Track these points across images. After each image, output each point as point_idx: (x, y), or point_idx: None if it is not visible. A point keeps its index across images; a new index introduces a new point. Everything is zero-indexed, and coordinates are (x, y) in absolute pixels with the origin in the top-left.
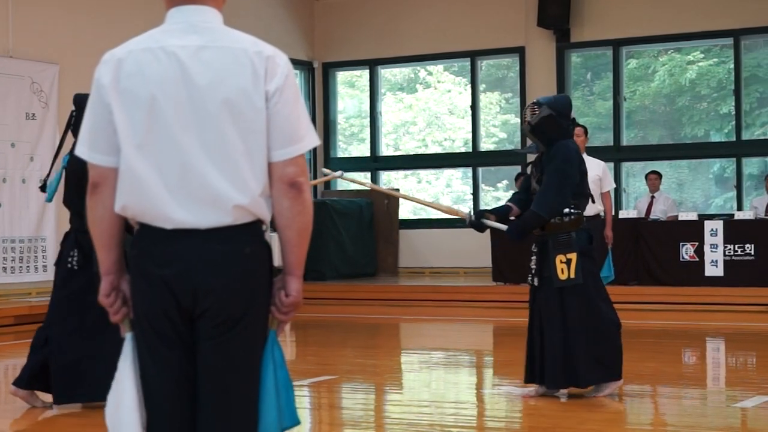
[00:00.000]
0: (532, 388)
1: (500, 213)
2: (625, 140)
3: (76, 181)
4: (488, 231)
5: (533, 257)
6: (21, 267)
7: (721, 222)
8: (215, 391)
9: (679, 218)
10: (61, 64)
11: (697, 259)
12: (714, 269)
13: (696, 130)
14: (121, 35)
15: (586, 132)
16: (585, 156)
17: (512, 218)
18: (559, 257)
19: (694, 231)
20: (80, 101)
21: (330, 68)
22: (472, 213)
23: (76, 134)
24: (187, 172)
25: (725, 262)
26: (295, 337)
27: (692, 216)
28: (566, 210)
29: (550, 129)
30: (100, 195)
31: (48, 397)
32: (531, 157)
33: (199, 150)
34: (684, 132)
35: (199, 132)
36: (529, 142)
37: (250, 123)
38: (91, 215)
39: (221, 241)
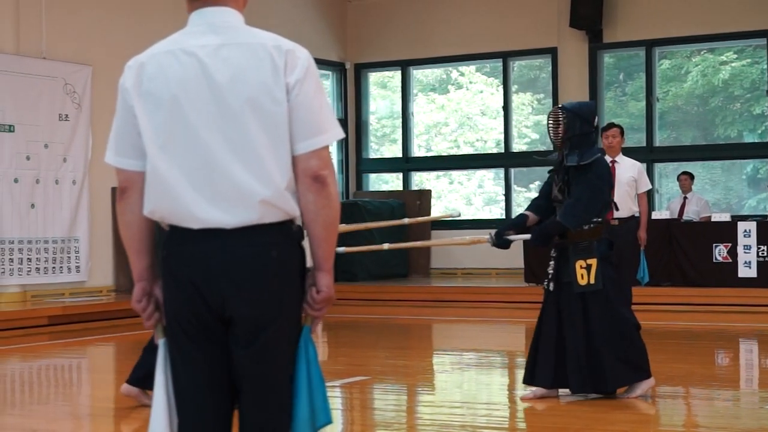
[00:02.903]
0: (530, 390)
1: (518, 225)
2: (658, 141)
3: None
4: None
5: (551, 262)
6: (54, 268)
7: (755, 223)
8: (248, 393)
9: (712, 219)
10: (94, 66)
11: (730, 260)
12: (747, 270)
13: (729, 130)
14: (154, 36)
15: (622, 132)
16: (621, 156)
17: (531, 225)
18: (579, 263)
19: (727, 232)
20: None
21: (362, 69)
22: (492, 235)
23: None
24: (212, 170)
25: (758, 263)
26: (326, 338)
27: (725, 217)
28: None
29: (580, 141)
30: (128, 200)
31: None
32: None
33: (222, 146)
34: (717, 133)
35: (222, 128)
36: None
37: (272, 116)
38: (121, 220)
39: (247, 242)
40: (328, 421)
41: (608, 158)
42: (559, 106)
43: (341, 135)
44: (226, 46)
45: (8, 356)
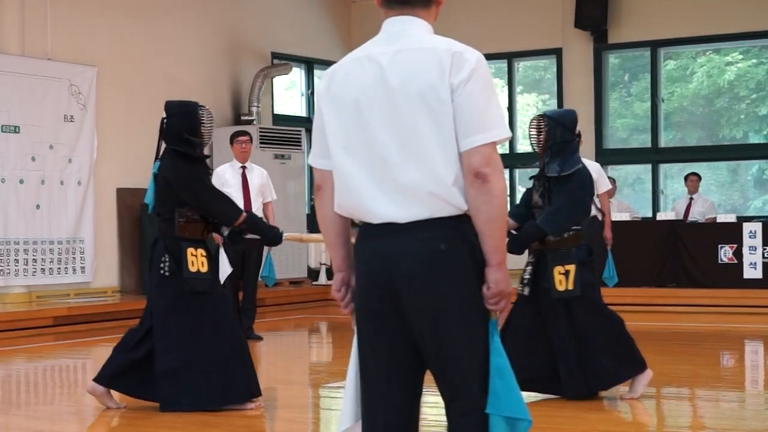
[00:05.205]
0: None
1: None
2: (663, 142)
3: (165, 188)
4: None
5: (528, 267)
6: (60, 268)
7: (760, 224)
8: (440, 381)
9: (718, 220)
10: (99, 67)
11: (736, 261)
12: (753, 271)
13: (734, 131)
14: (158, 37)
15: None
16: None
17: (512, 232)
18: (558, 268)
19: (732, 233)
20: (170, 108)
21: None
22: None
23: (167, 141)
24: (388, 167)
25: (764, 264)
26: (331, 339)
27: (731, 218)
28: None
29: (562, 148)
30: (321, 197)
31: (121, 398)
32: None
33: (395, 144)
34: (722, 133)
35: (395, 127)
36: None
37: (439, 115)
38: (318, 215)
39: (418, 235)
40: (528, 420)
41: None
42: (541, 113)
43: (506, 134)
44: (402, 51)
45: (13, 357)
